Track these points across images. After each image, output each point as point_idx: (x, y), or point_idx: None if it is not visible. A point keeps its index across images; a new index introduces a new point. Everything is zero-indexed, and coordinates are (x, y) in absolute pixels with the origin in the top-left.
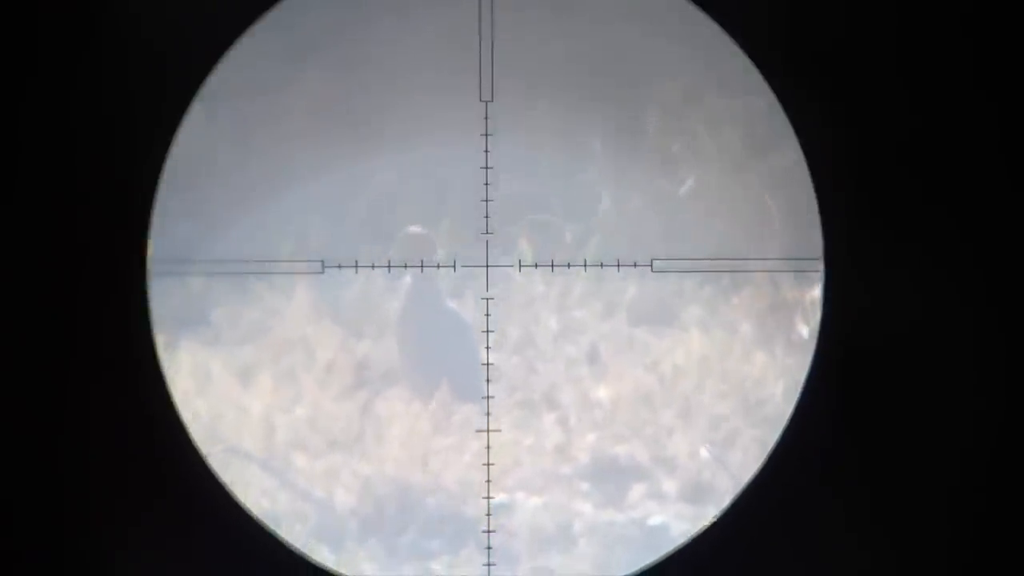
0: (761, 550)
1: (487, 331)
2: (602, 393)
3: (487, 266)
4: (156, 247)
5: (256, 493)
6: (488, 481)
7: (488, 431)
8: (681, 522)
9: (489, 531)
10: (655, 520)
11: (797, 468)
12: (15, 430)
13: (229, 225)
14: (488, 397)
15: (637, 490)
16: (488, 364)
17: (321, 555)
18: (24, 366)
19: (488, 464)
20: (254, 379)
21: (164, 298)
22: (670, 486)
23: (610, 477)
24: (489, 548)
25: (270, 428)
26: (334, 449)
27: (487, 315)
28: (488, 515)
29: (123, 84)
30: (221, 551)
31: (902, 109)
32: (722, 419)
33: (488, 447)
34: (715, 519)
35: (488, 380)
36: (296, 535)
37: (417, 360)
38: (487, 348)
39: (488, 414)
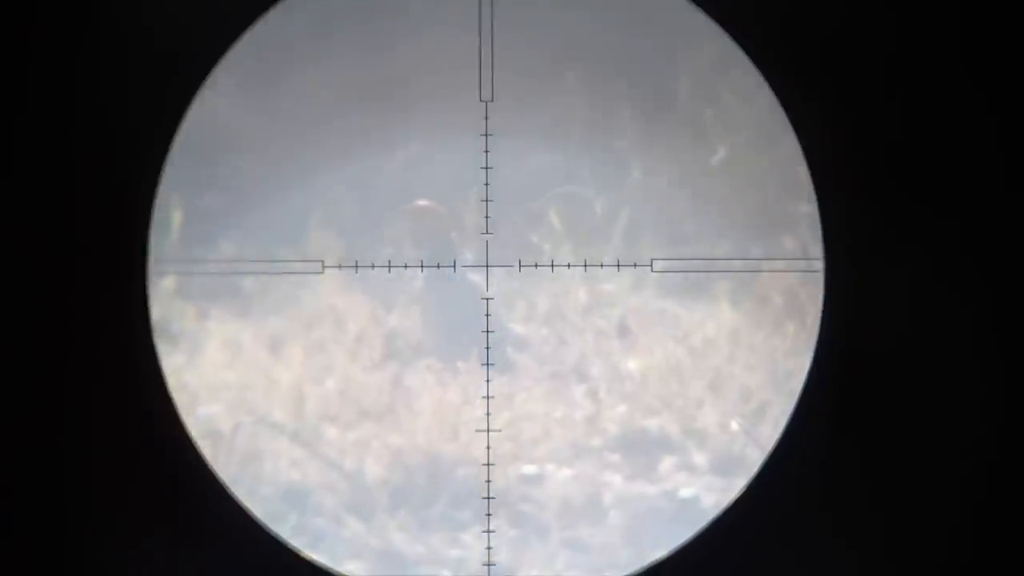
0: (758, 552)
1: (487, 331)
2: (632, 365)
3: (487, 266)
4: (183, 218)
5: (286, 464)
6: (488, 481)
7: (488, 431)
8: (712, 494)
9: (489, 531)
10: (686, 492)
11: (796, 469)
12: (14, 430)
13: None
14: (488, 397)
15: (667, 462)
16: (488, 364)
17: (351, 526)
18: (23, 366)
19: (488, 464)
20: (284, 350)
21: (193, 270)
22: (700, 458)
23: (640, 449)
24: (489, 548)
25: (300, 399)
26: (364, 420)
27: (487, 315)
28: (488, 515)
29: (124, 82)
30: (221, 551)
31: (902, 109)
32: (753, 391)
33: (488, 447)
34: (712, 521)
35: (488, 380)
36: (326, 506)
37: (445, 332)
38: (487, 348)
39: (488, 414)
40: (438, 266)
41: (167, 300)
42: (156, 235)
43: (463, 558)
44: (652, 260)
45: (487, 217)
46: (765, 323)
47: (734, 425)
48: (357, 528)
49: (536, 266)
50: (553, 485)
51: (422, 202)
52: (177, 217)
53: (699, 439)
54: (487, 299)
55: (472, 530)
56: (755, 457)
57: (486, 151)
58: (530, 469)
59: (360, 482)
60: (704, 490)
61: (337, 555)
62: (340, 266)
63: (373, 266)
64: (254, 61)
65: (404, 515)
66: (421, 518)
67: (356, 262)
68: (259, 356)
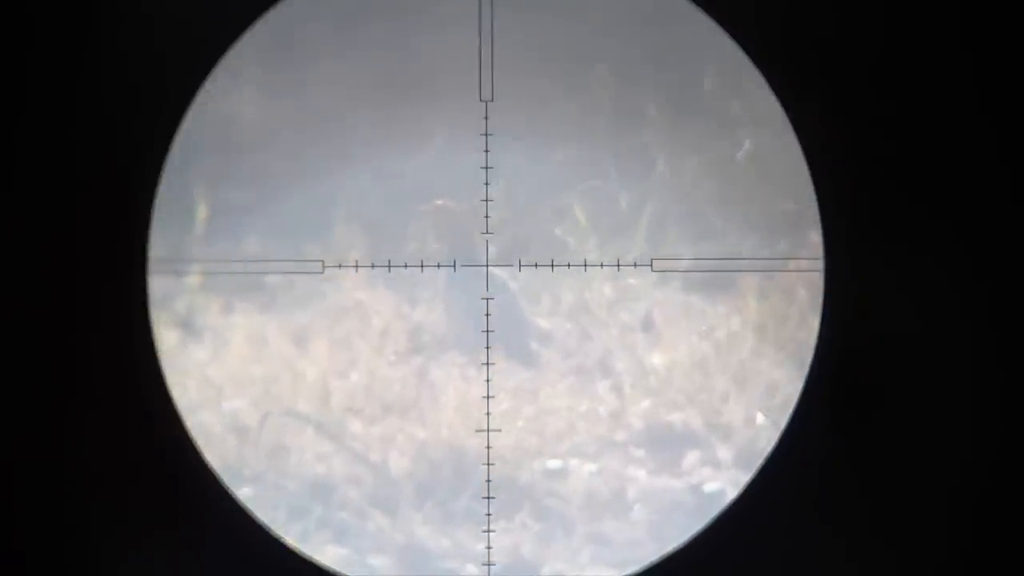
0: (757, 551)
1: (487, 331)
2: (656, 360)
3: (487, 266)
4: (208, 209)
5: (311, 458)
6: (488, 481)
7: (488, 431)
8: (737, 489)
9: (489, 531)
10: (711, 487)
11: (795, 468)
12: (15, 430)
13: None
14: (488, 397)
15: (692, 456)
16: (488, 364)
17: (376, 520)
18: (23, 366)
19: (488, 464)
20: (310, 344)
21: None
22: (725, 452)
23: (665, 443)
24: (489, 548)
25: (325, 393)
26: (389, 413)
27: (487, 315)
28: (488, 515)
29: (124, 82)
30: (222, 552)
31: (902, 109)
32: (778, 385)
33: (488, 447)
34: (711, 522)
35: (488, 380)
36: (351, 500)
37: (468, 326)
38: (487, 348)
39: (488, 414)
40: (438, 266)
41: (191, 294)
42: (180, 229)
43: (487, 553)
44: (652, 260)
45: (487, 217)
46: (791, 317)
47: (759, 419)
48: (382, 522)
49: (536, 266)
50: (577, 479)
51: (439, 201)
52: (202, 211)
53: (724, 433)
54: (487, 299)
55: (497, 523)
56: None
57: (486, 151)
58: (554, 464)
59: (385, 475)
60: (729, 484)
61: (361, 549)
62: (340, 265)
63: (373, 265)
64: (256, 59)
65: (429, 508)
66: (446, 512)
67: (356, 261)
68: (284, 350)
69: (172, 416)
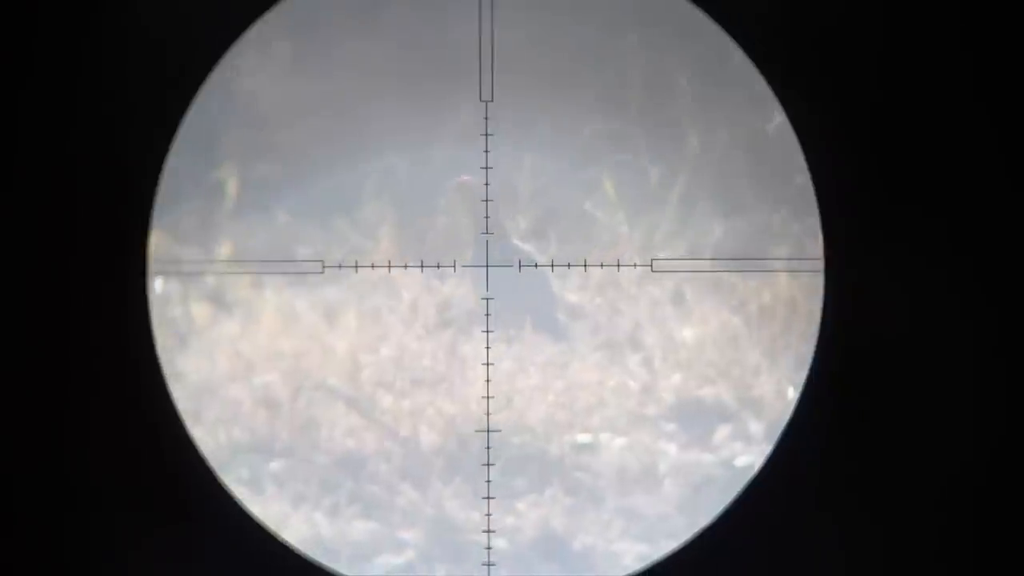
0: (756, 553)
1: (487, 331)
2: (687, 334)
3: (487, 266)
4: (239, 187)
5: (341, 432)
6: (488, 481)
7: (488, 431)
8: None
9: (489, 531)
10: (742, 461)
11: (795, 469)
12: (14, 430)
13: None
14: (488, 397)
15: (723, 431)
16: (488, 364)
17: (405, 495)
18: (22, 367)
19: (488, 464)
20: (340, 318)
21: (248, 237)
22: (756, 427)
23: (695, 418)
24: (489, 548)
25: (355, 367)
26: (419, 388)
27: (487, 315)
28: (488, 515)
29: (124, 82)
30: (223, 553)
31: (903, 109)
32: (808, 360)
33: (488, 447)
34: (711, 522)
35: (488, 380)
36: (380, 474)
37: (496, 299)
38: (487, 348)
39: (488, 414)
40: (438, 266)
41: (221, 268)
42: (212, 203)
43: (518, 527)
44: (652, 260)
45: (487, 217)
46: (821, 290)
47: (790, 393)
48: (412, 496)
49: (536, 266)
50: (608, 454)
51: (466, 177)
52: (232, 186)
53: (755, 408)
54: (487, 299)
55: (527, 498)
56: None
57: (486, 151)
58: (584, 438)
59: (415, 449)
60: (760, 459)
61: (391, 523)
62: (340, 266)
63: (373, 266)
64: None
65: (459, 483)
66: (476, 486)
67: (356, 262)
68: (314, 324)
69: (172, 416)
